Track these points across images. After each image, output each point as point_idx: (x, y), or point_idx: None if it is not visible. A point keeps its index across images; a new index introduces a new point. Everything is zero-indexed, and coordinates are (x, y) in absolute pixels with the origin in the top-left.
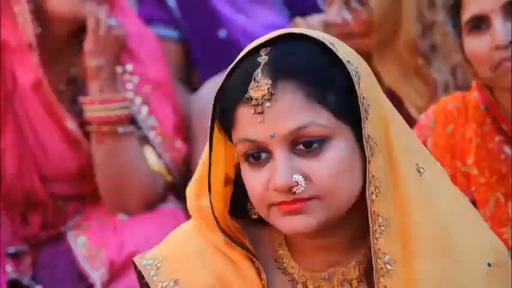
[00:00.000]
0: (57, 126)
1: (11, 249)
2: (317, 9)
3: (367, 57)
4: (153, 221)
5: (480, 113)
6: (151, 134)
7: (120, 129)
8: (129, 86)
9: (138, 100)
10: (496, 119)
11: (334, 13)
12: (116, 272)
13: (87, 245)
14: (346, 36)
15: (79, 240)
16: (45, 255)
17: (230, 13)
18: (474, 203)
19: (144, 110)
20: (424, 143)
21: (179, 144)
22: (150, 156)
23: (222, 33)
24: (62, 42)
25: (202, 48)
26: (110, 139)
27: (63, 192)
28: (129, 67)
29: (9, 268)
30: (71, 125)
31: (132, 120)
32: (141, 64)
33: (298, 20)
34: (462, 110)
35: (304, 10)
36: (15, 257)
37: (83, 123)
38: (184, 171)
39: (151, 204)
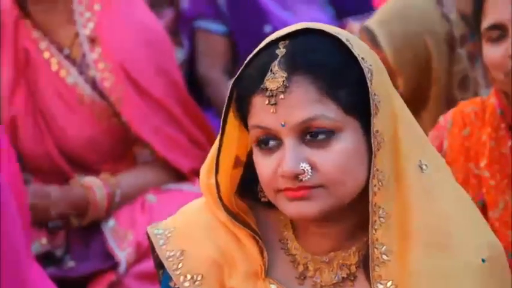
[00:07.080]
0: (62, 86)
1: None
2: (364, 9)
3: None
4: (182, 204)
5: (496, 117)
6: None
7: None
8: None
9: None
10: (510, 124)
11: None
12: (143, 253)
13: (115, 228)
14: None
15: (109, 223)
16: (77, 233)
17: (276, 10)
18: (485, 204)
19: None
20: (441, 144)
21: None
22: None
23: (268, 28)
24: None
25: (248, 43)
26: None
27: (80, 160)
28: None
29: (44, 240)
30: (71, 79)
31: None
32: None
33: (351, 22)
34: (480, 114)
35: (351, 9)
36: (50, 230)
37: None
38: None
39: None
